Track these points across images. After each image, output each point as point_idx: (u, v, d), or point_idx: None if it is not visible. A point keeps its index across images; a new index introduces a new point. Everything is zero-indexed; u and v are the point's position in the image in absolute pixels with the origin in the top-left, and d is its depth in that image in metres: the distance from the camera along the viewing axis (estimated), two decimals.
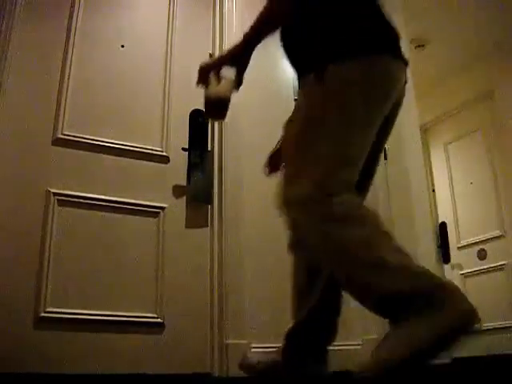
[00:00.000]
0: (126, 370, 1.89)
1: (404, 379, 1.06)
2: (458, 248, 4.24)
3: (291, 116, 1.37)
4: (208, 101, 1.26)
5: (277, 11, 1.36)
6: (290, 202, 1.20)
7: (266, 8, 1.36)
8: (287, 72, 2.67)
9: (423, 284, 1.03)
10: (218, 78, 1.30)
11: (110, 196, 2.09)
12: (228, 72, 1.36)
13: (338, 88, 1.24)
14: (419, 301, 0.99)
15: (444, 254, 3.79)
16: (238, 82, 1.34)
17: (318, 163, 1.19)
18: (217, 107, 1.27)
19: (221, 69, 1.34)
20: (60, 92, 2.12)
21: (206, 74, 1.32)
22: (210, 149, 2.32)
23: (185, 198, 2.23)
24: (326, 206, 1.14)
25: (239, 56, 1.36)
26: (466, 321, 1.04)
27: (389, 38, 1.33)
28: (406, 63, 1.36)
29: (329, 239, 1.13)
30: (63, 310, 1.88)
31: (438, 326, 0.99)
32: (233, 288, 2.14)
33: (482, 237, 4.10)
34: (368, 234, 1.10)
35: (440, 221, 4.08)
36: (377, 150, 1.40)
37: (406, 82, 1.40)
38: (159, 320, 2.04)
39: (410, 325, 0.99)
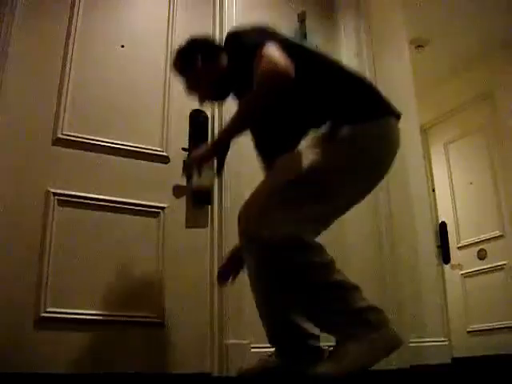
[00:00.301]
0: (126, 370, 1.89)
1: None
2: (458, 248, 4.24)
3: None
4: (193, 193, 1.39)
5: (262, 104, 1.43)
6: (261, 241, 1.34)
7: (248, 102, 1.45)
8: None
9: (360, 316, 1.32)
10: (200, 171, 1.47)
11: (110, 196, 2.09)
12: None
13: (348, 147, 1.40)
14: (360, 326, 1.31)
15: (444, 254, 3.78)
16: (219, 169, 1.53)
17: (300, 215, 1.35)
18: (199, 197, 1.40)
19: (202, 164, 1.47)
20: (60, 92, 2.12)
21: (189, 168, 1.47)
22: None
23: (185, 197, 2.23)
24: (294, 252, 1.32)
25: (221, 149, 1.51)
26: (394, 343, 1.35)
27: (386, 102, 1.51)
28: (398, 117, 1.54)
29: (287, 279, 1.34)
30: (63, 310, 1.88)
31: (375, 347, 1.31)
32: (233, 288, 2.14)
33: (482, 237, 4.10)
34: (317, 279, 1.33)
35: (440, 221, 4.07)
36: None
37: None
38: (159, 320, 2.04)
39: (357, 343, 1.29)
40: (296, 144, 1.57)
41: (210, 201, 1.47)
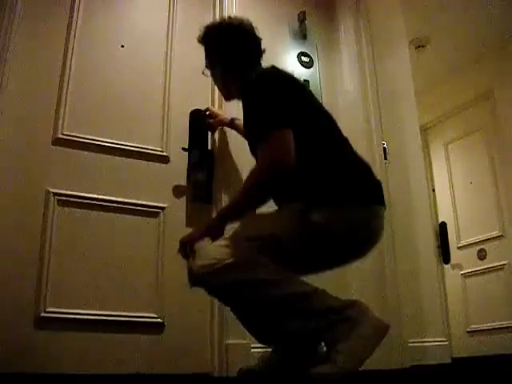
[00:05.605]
0: (126, 370, 1.89)
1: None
2: (458, 248, 4.24)
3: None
4: (190, 271, 1.41)
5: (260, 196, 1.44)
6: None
7: (247, 192, 1.44)
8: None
9: (339, 315, 1.32)
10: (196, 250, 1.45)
11: (110, 196, 2.09)
12: None
13: (319, 228, 1.37)
14: (343, 324, 1.31)
15: (444, 254, 3.78)
16: None
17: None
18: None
19: (197, 244, 1.46)
20: (60, 92, 2.12)
21: (185, 247, 1.46)
22: (210, 148, 2.32)
23: (185, 197, 2.23)
24: None
25: (214, 232, 1.48)
26: (381, 328, 1.35)
27: (375, 190, 1.50)
28: (385, 207, 1.52)
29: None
30: (63, 310, 1.88)
31: (365, 339, 1.31)
32: None
33: (481, 237, 4.09)
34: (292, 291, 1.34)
35: (440, 221, 4.07)
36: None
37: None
38: (159, 320, 2.04)
39: (347, 341, 1.29)
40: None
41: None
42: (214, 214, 2.24)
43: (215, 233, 1.48)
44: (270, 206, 1.51)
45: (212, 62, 1.76)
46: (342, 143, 1.55)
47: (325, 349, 1.38)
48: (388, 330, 1.36)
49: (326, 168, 1.45)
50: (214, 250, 1.37)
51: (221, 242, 1.41)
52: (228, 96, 1.79)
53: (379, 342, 1.34)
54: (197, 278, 1.37)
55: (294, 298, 1.34)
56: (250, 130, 1.55)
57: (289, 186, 1.41)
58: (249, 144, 1.63)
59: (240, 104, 1.55)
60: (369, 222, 1.46)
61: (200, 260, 1.37)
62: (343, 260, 1.52)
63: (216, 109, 2.35)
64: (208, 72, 1.81)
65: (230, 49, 1.67)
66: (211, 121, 2.30)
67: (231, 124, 2.23)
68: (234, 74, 1.68)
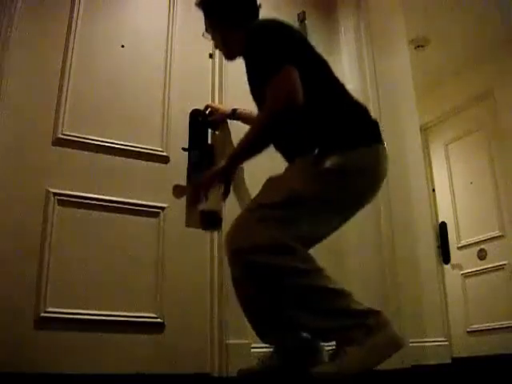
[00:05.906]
0: (126, 370, 1.89)
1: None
2: (458, 248, 4.24)
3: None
4: (202, 215, 1.45)
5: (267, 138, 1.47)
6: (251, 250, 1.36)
7: (256, 132, 1.47)
8: None
9: (357, 319, 1.33)
10: (207, 195, 1.49)
11: (109, 196, 2.09)
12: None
13: (336, 180, 1.41)
14: (359, 330, 1.31)
15: (444, 254, 3.78)
16: (225, 194, 1.54)
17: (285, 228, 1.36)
18: (211, 220, 1.47)
19: (210, 188, 1.50)
20: (60, 92, 2.12)
21: (197, 193, 1.50)
22: (210, 147, 2.31)
23: (185, 198, 2.23)
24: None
25: (227, 175, 1.53)
26: (395, 344, 1.35)
27: (375, 130, 1.53)
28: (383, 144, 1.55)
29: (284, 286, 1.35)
30: (63, 310, 1.88)
31: (377, 349, 1.31)
32: (233, 288, 2.14)
33: (481, 237, 4.09)
34: (313, 284, 1.34)
35: (440, 221, 4.07)
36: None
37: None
38: (159, 320, 2.04)
39: (358, 346, 1.29)
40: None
41: (220, 224, 1.49)
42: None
43: (226, 175, 1.51)
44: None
45: (211, 22, 1.76)
46: (343, 86, 1.58)
47: (326, 349, 1.38)
48: (401, 348, 1.35)
49: (331, 111, 1.48)
50: (249, 227, 1.39)
51: (254, 215, 1.42)
52: (230, 54, 1.77)
53: (390, 355, 1.33)
54: (228, 250, 1.42)
55: (319, 292, 1.34)
56: (255, 79, 1.55)
57: (296, 131, 1.43)
58: (255, 100, 1.64)
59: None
60: (374, 160, 1.49)
61: (236, 237, 1.40)
62: (356, 205, 1.52)
63: (216, 104, 2.34)
64: (208, 35, 1.81)
65: (228, 5, 1.69)
66: (212, 118, 2.29)
67: (233, 115, 2.20)
68: (233, 30, 1.68)
